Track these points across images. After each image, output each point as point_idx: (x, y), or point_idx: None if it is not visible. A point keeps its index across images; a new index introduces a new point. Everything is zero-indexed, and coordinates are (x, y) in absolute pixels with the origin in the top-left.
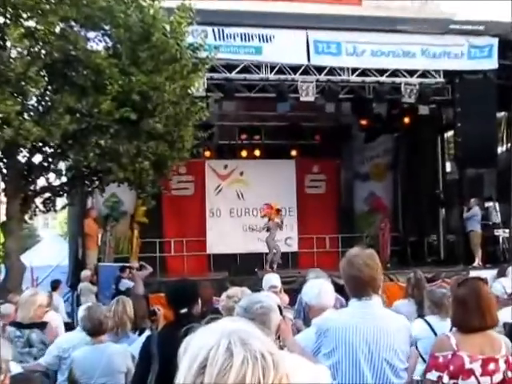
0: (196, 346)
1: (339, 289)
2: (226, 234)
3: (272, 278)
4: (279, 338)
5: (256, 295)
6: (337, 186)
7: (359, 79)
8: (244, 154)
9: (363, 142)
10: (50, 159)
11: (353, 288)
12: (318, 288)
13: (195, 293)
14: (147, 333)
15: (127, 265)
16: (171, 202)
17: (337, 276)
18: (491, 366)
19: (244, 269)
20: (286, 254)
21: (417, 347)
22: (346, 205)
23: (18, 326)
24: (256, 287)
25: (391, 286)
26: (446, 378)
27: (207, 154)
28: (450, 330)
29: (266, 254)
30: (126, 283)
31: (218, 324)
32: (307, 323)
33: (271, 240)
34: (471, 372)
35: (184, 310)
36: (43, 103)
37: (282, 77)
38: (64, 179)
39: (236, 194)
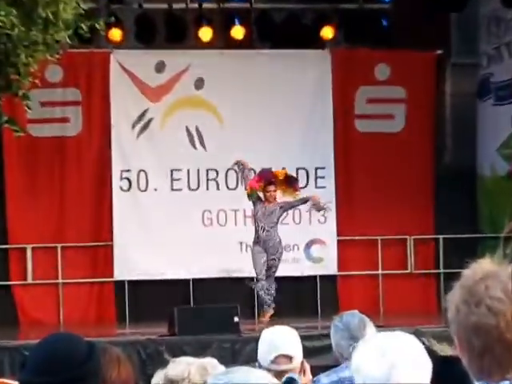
0: None
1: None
2: (162, 236)
3: (279, 339)
4: None
5: (241, 373)
6: (433, 114)
7: None
8: (206, 34)
9: (501, 4)
10: None
11: (479, 355)
12: (387, 356)
13: (91, 371)
14: None
15: None
16: (27, 156)
17: (430, 332)
18: None
19: (207, 316)
20: (311, 279)
21: None
22: (455, 162)
23: None
24: (237, 359)
25: None
26: None
27: (115, 34)
28: None
29: (253, 279)
30: None
31: None
32: None
33: (261, 251)
34: None
35: None
36: None
37: None
38: None
39: (186, 136)
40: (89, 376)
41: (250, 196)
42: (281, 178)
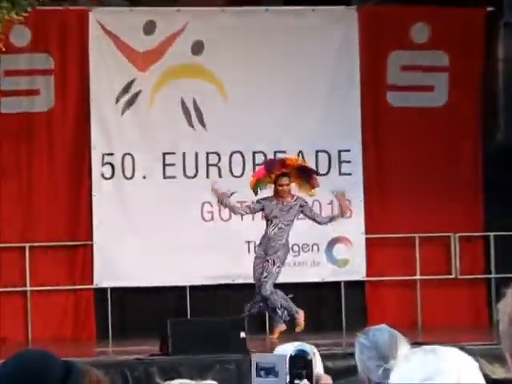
0: None
1: None
2: (153, 233)
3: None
4: None
5: None
6: (482, 85)
7: None
8: None
9: None
10: None
11: None
12: (434, 380)
13: None
14: None
15: None
16: None
17: (479, 350)
18: None
19: (207, 331)
20: (334, 286)
21: None
22: (509, 142)
23: None
24: (244, 383)
25: None
26: None
27: None
28: None
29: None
30: None
31: None
32: None
33: (261, 255)
34: None
35: None
36: None
37: None
38: None
39: (182, 112)
40: None
41: (255, 190)
42: (294, 168)
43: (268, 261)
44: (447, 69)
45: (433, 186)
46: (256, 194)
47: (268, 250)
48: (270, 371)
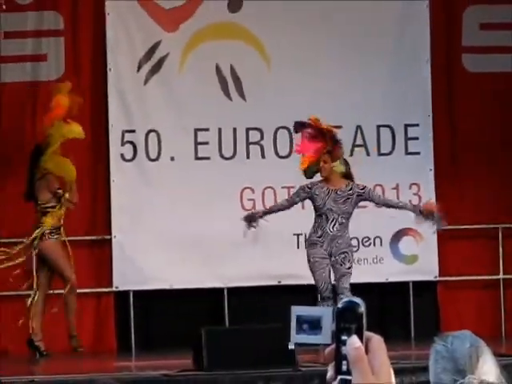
0: None
1: None
2: (183, 226)
3: None
4: None
5: None
6: None
7: None
8: None
9: None
10: None
11: None
12: None
13: None
14: None
15: None
16: None
17: None
18: None
19: (249, 342)
20: (401, 288)
21: None
22: None
23: None
24: None
25: None
26: None
27: None
28: None
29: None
30: None
31: None
32: None
33: (326, 256)
34: None
35: None
36: None
37: None
38: None
39: (217, 81)
40: None
41: (308, 173)
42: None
43: (335, 264)
44: None
45: None
46: (309, 177)
47: (333, 250)
48: (314, 325)
